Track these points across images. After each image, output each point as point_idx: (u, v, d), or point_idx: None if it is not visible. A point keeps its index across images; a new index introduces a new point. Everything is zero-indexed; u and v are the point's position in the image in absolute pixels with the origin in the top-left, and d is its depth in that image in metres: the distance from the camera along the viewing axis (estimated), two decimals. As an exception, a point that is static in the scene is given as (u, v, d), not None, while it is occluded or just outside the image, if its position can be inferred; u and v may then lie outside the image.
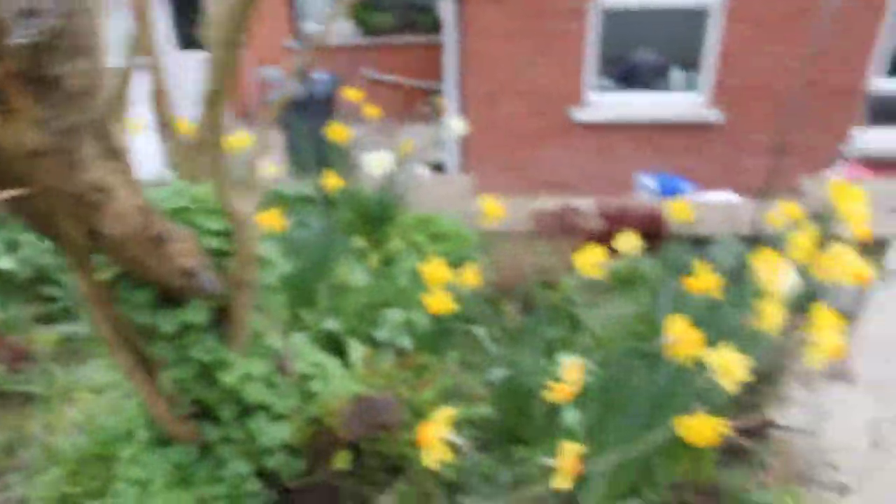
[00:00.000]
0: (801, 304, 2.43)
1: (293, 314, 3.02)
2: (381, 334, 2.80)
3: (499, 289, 3.27)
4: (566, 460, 1.53)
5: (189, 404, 1.87)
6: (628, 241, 2.81)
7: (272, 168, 4.05)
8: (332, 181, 3.29)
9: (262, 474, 2.03)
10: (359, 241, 3.55)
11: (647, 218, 3.81)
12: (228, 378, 1.80)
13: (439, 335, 2.63)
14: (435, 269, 2.31)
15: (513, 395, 2.40)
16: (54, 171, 1.12)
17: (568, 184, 6.44)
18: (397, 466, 2.17)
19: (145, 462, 1.97)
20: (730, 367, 1.76)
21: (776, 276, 2.25)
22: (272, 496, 2.05)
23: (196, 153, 1.64)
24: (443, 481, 2.13)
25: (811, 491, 2.48)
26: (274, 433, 1.97)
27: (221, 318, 1.76)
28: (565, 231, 3.79)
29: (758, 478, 2.52)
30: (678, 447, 1.94)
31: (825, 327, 1.93)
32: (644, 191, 5.77)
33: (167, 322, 1.63)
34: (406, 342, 2.70)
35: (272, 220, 2.64)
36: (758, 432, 2.73)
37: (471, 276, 2.54)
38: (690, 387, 2.03)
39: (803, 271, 2.84)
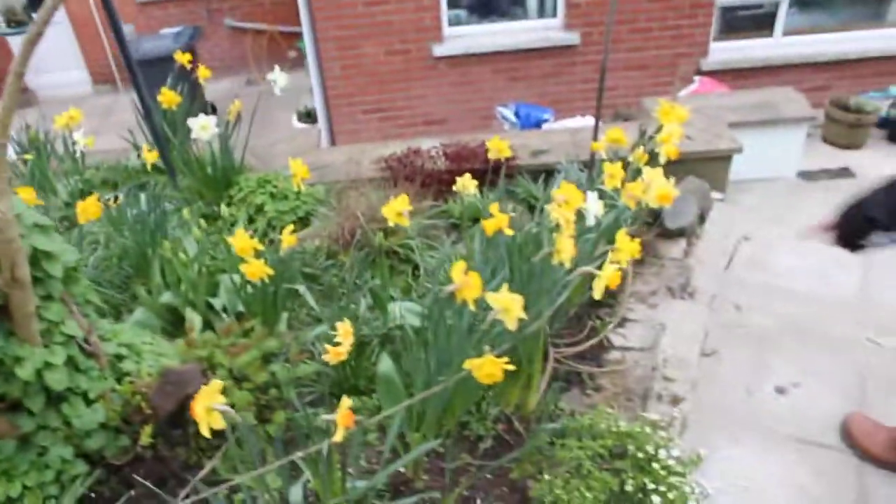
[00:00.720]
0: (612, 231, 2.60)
1: (131, 292, 3.08)
2: (217, 302, 2.90)
3: (340, 241, 3.39)
4: (341, 414, 1.66)
5: (-4, 400, 1.95)
6: (465, 183, 2.93)
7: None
8: (148, 155, 3.31)
9: (88, 456, 2.13)
10: (199, 210, 3.60)
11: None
12: (23, 372, 1.89)
13: (266, 299, 2.74)
14: (241, 240, 2.42)
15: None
16: None
17: (436, 121, 6.55)
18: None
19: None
20: (509, 306, 1.90)
21: (573, 208, 2.40)
22: (102, 474, 2.16)
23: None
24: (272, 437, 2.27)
25: (645, 405, 2.71)
26: (89, 416, 2.07)
27: (3, 315, 1.83)
28: (411, 175, 3.92)
29: (589, 399, 2.74)
30: (473, 383, 2.10)
31: (624, 251, 2.12)
32: (504, 122, 5.93)
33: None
34: (240, 307, 2.81)
35: (88, 207, 2.68)
36: (590, 356, 2.97)
37: (288, 238, 2.66)
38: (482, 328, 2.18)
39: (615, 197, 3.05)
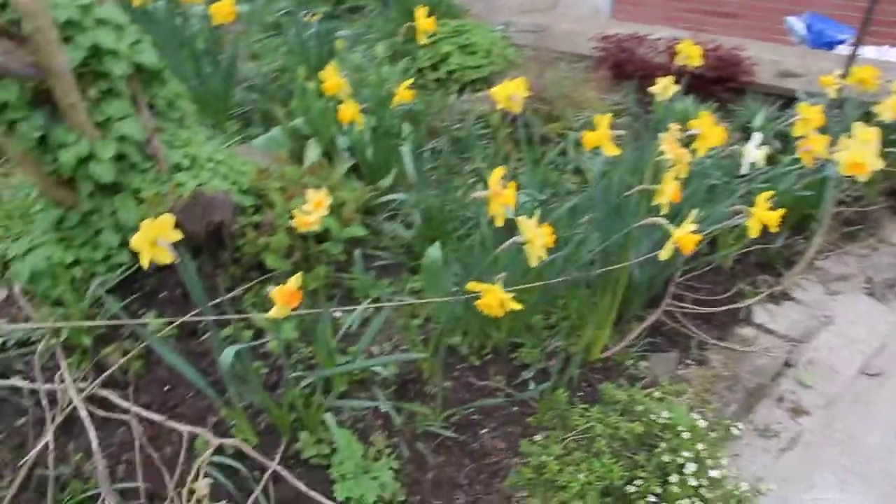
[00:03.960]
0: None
1: (264, 112, 3.29)
2: (342, 141, 2.99)
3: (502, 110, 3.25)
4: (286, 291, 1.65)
5: (53, 175, 2.24)
6: (665, 85, 2.63)
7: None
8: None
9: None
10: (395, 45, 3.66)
11: (723, 62, 3.48)
12: (64, 156, 2.14)
13: (378, 150, 2.79)
14: (331, 76, 2.46)
15: (427, 217, 2.55)
16: None
17: (725, 13, 5.79)
18: (259, 265, 2.45)
19: (37, 220, 2.42)
20: (533, 238, 1.74)
21: (705, 146, 2.08)
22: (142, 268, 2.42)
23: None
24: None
25: (750, 404, 2.37)
26: (131, 213, 2.30)
27: (50, 100, 2.06)
28: (622, 63, 3.59)
29: (684, 370, 2.45)
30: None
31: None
32: (793, 35, 5.06)
33: (-23, 98, 1.97)
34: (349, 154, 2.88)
35: (222, 8, 2.84)
36: (717, 322, 2.62)
37: (403, 93, 2.62)
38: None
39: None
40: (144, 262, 1.72)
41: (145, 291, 2.43)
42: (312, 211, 1.86)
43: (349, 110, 2.55)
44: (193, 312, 2.24)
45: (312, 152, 2.91)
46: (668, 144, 2.03)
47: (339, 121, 2.63)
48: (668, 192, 1.90)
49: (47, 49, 1.92)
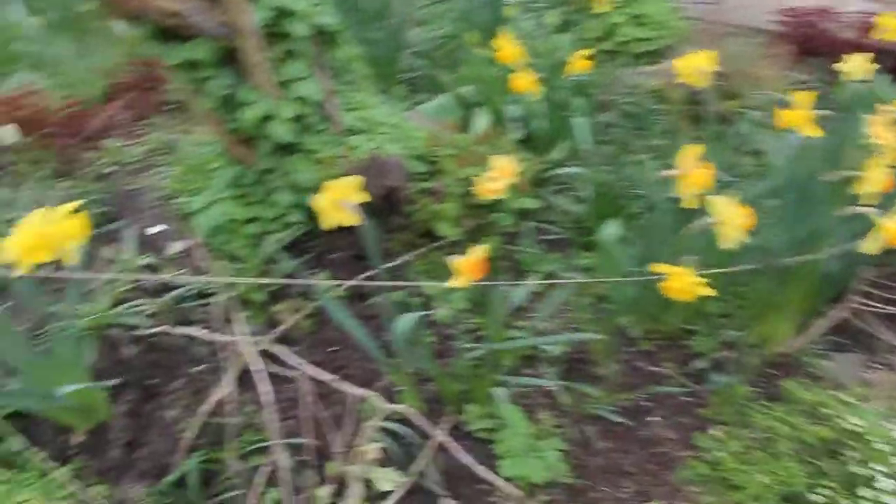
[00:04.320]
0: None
1: (431, 79, 3.27)
2: (512, 109, 2.94)
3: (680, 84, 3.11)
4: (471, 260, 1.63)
5: (233, 133, 2.31)
6: (858, 64, 2.44)
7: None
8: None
9: (306, 207, 2.45)
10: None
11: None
12: (247, 114, 2.19)
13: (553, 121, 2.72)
14: (505, 43, 2.41)
15: (600, 193, 2.48)
16: None
17: None
18: (429, 232, 2.45)
19: (217, 176, 2.52)
20: (729, 218, 1.65)
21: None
22: (314, 228, 2.47)
23: None
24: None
25: None
26: (307, 174, 2.35)
27: (237, 59, 2.11)
28: (806, 39, 3.35)
29: (869, 374, 2.27)
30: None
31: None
32: None
33: (172, 56, 2.04)
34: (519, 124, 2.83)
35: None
36: None
37: (579, 62, 2.54)
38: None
39: None
40: (327, 223, 1.73)
41: (316, 252, 2.48)
42: (498, 178, 1.82)
43: (524, 79, 2.49)
44: (365, 275, 2.26)
45: (481, 120, 2.87)
46: (878, 128, 1.86)
47: (508, 89, 2.58)
48: (876, 179, 1.74)
49: (238, 8, 1.97)
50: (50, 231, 1.51)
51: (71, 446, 2.11)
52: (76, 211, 1.56)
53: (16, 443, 2.07)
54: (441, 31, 3.86)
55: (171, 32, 2.03)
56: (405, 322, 1.76)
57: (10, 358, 1.98)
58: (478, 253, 1.54)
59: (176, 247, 2.61)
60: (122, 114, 3.40)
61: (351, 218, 1.67)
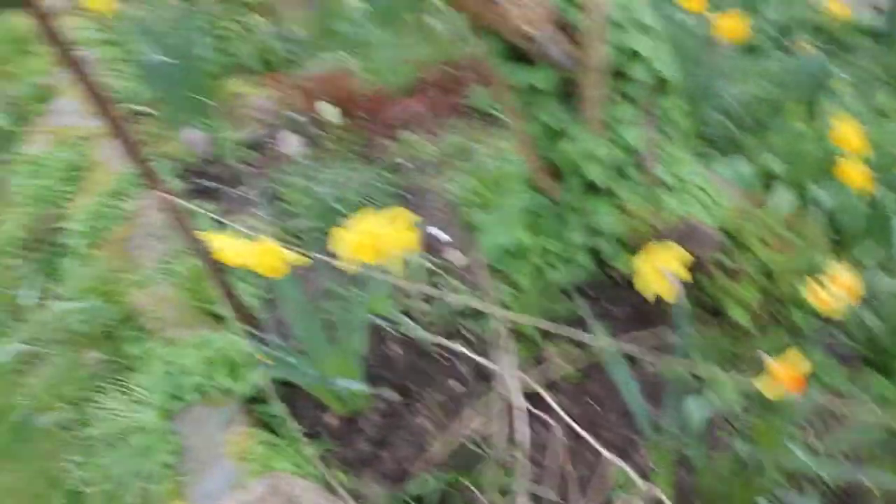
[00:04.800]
0: None
1: (730, 139, 3.09)
2: (821, 194, 2.71)
3: None
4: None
5: (545, 160, 2.30)
6: None
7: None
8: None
9: (595, 252, 2.39)
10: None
11: None
12: (569, 147, 2.17)
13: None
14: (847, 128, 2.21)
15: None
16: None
17: None
18: (716, 308, 2.31)
19: (513, 197, 2.52)
20: None
21: None
22: (595, 273, 2.41)
23: None
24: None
25: None
26: (608, 220, 2.29)
27: (572, 92, 2.09)
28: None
29: None
30: None
31: None
32: None
33: (514, 76, 2.05)
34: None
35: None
36: None
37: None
38: None
39: None
40: (644, 289, 1.66)
41: (598, 300, 2.42)
42: (837, 293, 1.66)
43: (855, 170, 2.28)
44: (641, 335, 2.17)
45: (784, 199, 2.66)
46: None
47: (823, 172, 2.38)
48: None
49: (592, 45, 1.94)
50: (381, 236, 1.55)
51: (324, 425, 2.20)
52: (405, 220, 1.60)
53: (277, 408, 2.19)
54: (749, 90, 3.65)
55: (517, 52, 2.05)
56: (698, 408, 1.65)
57: (299, 332, 2.09)
58: (799, 366, 1.41)
59: (457, 257, 2.64)
60: (423, 109, 3.52)
61: (670, 290, 1.59)
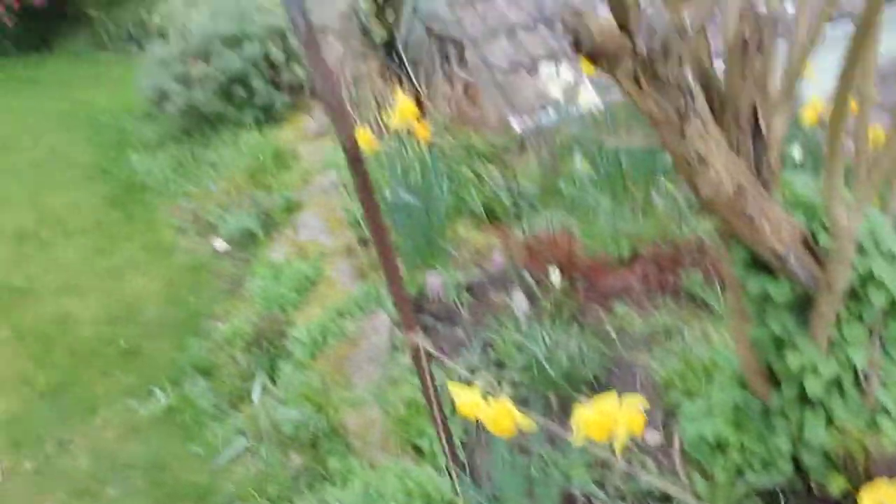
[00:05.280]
0: None
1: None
2: None
3: None
4: None
5: (763, 363, 2.34)
6: None
7: None
8: None
9: (797, 463, 2.38)
10: None
11: None
12: (793, 360, 2.21)
13: None
14: None
15: None
16: (668, 136, 1.77)
17: None
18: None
19: (720, 390, 2.56)
20: None
21: None
22: (793, 480, 2.38)
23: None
24: None
25: None
26: (819, 435, 2.28)
27: (807, 305, 2.15)
28: None
29: None
30: None
31: None
32: None
33: (753, 283, 2.15)
34: None
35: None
36: None
37: None
38: None
39: None
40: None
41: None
42: None
43: None
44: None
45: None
46: None
47: None
48: None
49: (837, 267, 2.01)
50: (615, 416, 1.68)
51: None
52: (635, 404, 1.71)
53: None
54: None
55: (755, 258, 2.15)
56: None
57: (499, 482, 2.21)
58: None
59: (653, 436, 2.69)
60: (637, 283, 3.63)
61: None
